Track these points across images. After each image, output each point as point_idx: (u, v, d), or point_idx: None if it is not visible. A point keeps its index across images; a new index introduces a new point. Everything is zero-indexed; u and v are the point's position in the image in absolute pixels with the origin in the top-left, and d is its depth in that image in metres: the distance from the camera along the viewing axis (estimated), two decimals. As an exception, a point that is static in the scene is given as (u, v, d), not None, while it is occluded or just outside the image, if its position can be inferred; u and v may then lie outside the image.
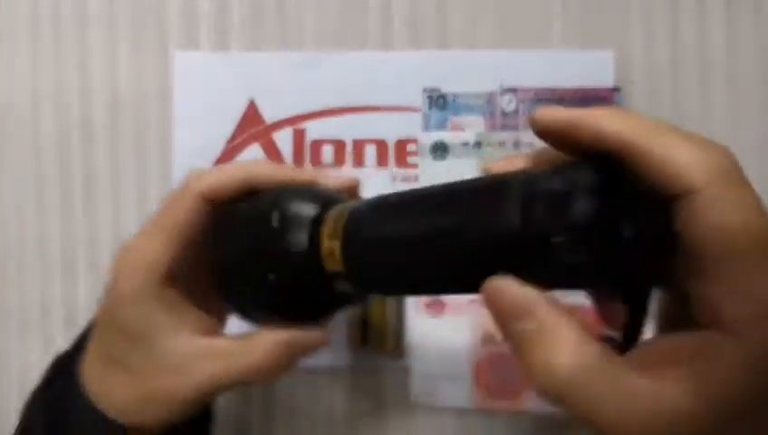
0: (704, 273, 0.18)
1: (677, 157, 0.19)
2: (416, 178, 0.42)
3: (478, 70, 0.42)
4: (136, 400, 0.29)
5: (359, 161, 0.42)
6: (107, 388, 0.30)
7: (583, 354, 0.19)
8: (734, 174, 0.19)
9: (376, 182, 0.40)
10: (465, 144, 0.42)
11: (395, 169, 0.42)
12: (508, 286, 0.20)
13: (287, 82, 0.42)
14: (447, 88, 0.42)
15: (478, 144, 0.42)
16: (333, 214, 0.28)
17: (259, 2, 0.43)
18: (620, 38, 0.42)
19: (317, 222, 0.28)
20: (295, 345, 0.30)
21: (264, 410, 0.42)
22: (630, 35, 0.43)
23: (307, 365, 0.41)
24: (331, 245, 0.27)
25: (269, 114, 0.42)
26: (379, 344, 0.41)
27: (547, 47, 0.43)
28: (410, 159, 0.42)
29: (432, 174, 0.42)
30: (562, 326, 0.19)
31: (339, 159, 0.42)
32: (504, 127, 0.42)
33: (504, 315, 0.20)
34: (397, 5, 0.43)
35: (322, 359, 0.42)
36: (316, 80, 0.42)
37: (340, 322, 0.41)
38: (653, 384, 0.18)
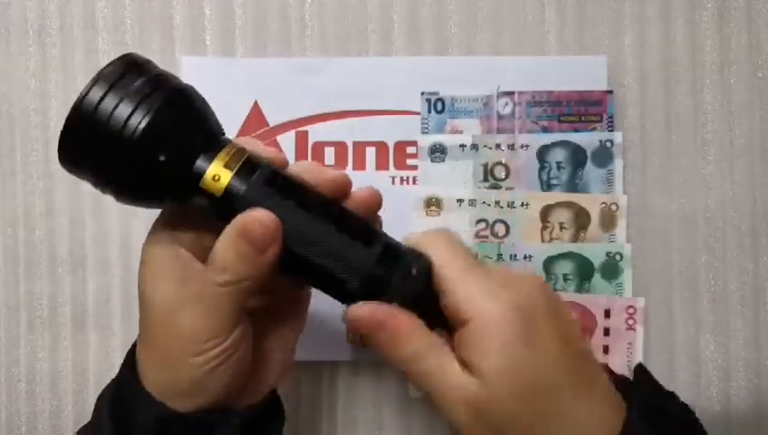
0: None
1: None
2: (415, 180, 0.43)
3: (476, 75, 0.43)
4: (155, 365, 0.29)
5: (359, 163, 0.43)
6: (143, 367, 0.30)
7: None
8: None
9: (376, 183, 0.41)
10: (463, 146, 0.43)
11: (395, 171, 0.43)
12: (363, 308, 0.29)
13: (290, 86, 0.44)
14: (446, 92, 0.43)
15: (475, 146, 0.43)
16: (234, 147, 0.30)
17: (263, 9, 0.44)
18: (614, 44, 0.44)
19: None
20: (241, 229, 0.28)
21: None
22: (623, 41, 0.44)
23: (309, 360, 0.42)
24: (219, 171, 0.28)
25: (272, 117, 0.44)
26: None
27: (543, 54, 0.44)
28: (409, 161, 0.43)
29: (430, 175, 0.43)
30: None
31: (340, 161, 0.43)
32: (500, 130, 0.43)
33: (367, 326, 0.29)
34: (397, 13, 0.44)
35: (324, 354, 0.43)
36: (318, 84, 0.44)
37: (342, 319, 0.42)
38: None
